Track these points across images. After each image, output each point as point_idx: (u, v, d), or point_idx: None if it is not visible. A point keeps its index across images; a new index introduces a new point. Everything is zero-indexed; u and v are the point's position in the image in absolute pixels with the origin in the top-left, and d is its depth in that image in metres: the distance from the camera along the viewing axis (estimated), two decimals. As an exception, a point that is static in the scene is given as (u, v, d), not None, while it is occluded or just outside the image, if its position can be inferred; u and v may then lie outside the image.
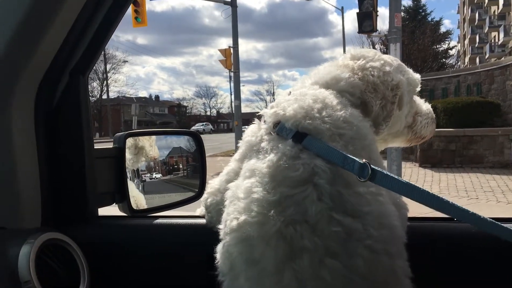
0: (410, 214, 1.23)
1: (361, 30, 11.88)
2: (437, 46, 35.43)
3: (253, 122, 1.24)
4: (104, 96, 58.76)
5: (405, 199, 1.16)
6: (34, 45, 1.19)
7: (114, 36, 1.42)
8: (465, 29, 77.77)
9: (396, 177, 1.00)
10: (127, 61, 63.90)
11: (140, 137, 1.75)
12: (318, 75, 1.30)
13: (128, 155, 1.59)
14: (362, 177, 0.99)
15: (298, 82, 1.36)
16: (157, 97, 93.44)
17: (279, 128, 1.11)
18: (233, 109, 23.22)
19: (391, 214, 1.04)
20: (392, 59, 1.37)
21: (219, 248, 1.07)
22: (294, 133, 1.08)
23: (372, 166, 0.99)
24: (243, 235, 0.99)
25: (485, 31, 66.66)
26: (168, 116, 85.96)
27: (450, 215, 0.95)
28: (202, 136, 1.90)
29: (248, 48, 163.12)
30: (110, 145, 1.56)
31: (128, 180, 1.58)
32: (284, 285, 0.94)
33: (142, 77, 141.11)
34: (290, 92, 1.26)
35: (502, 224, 0.91)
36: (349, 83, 1.25)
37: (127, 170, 1.57)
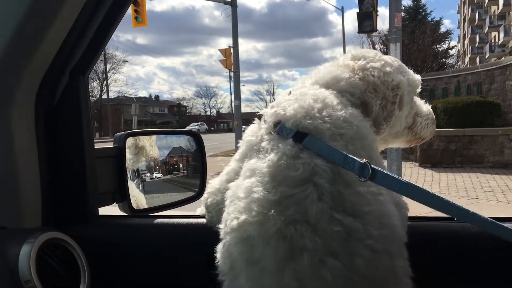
0: (410, 214, 1.23)
1: (361, 30, 11.88)
2: (437, 46, 35.43)
3: (253, 122, 1.24)
4: (104, 96, 58.83)
5: (405, 199, 1.16)
6: (34, 45, 1.19)
7: (114, 36, 1.42)
8: (465, 29, 77.77)
9: (396, 176, 1.00)
10: (127, 61, 63.93)
11: (141, 137, 1.75)
12: (318, 75, 1.30)
13: (128, 155, 1.59)
14: (362, 177, 0.99)
15: (298, 82, 1.37)
16: (157, 97, 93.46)
17: (280, 128, 1.11)
18: (233, 109, 23.23)
19: (392, 214, 1.04)
20: (393, 60, 1.37)
21: (220, 247, 1.07)
22: (295, 133, 1.08)
23: (372, 165, 0.99)
24: (244, 234, 0.99)
25: (485, 31, 66.67)
26: (168, 116, 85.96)
27: (450, 215, 0.95)
28: (198, 136, 1.89)
29: (248, 48, 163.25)
30: (110, 145, 1.56)
31: (128, 179, 1.58)
32: (284, 285, 0.94)
33: (142, 77, 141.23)
34: (290, 92, 1.26)
35: (502, 224, 0.91)
36: (349, 83, 1.25)
37: (127, 169, 1.57)
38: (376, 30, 12.60)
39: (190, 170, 1.91)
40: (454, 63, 38.55)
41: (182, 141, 1.95)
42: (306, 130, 1.08)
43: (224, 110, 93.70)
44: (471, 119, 14.25)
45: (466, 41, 76.05)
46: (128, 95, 68.61)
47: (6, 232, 1.22)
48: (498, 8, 61.12)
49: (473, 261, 1.22)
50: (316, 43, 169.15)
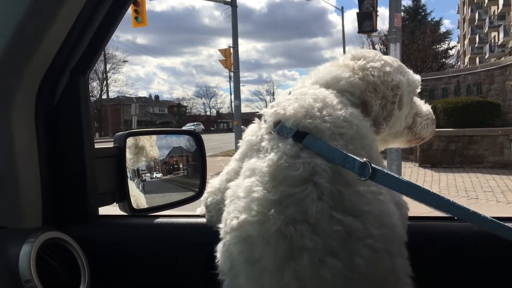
0: (410, 214, 1.23)
1: (361, 30, 11.88)
2: (437, 46, 35.42)
3: (253, 122, 1.24)
4: (104, 96, 58.86)
5: (405, 198, 1.16)
6: (35, 45, 1.19)
7: (114, 36, 1.42)
8: (465, 29, 77.79)
9: (396, 176, 1.00)
10: (127, 61, 63.95)
11: (141, 137, 1.75)
12: (318, 74, 1.30)
13: (128, 155, 1.59)
14: (362, 176, 0.99)
15: (298, 82, 1.37)
16: (157, 97, 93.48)
17: (280, 127, 1.11)
18: (233, 109, 23.22)
19: (392, 213, 1.04)
20: (393, 60, 1.37)
21: (219, 247, 1.07)
22: (295, 132, 1.08)
23: (372, 165, 0.99)
24: (243, 234, 0.99)
25: (485, 31, 66.70)
26: (168, 116, 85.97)
27: (450, 214, 0.95)
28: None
29: (248, 48, 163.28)
30: (110, 145, 1.56)
31: (128, 179, 1.58)
32: (284, 284, 0.94)
33: (142, 77, 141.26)
34: (290, 92, 1.26)
35: (503, 223, 0.91)
36: (349, 83, 1.25)
37: (127, 169, 1.57)
38: (376, 30, 12.60)
39: (190, 170, 1.91)
40: (454, 63, 38.57)
41: (182, 141, 1.96)
42: (306, 130, 1.08)
43: (224, 110, 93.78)
44: (471, 119, 14.25)
45: (466, 41, 76.08)
46: (128, 95, 68.69)
47: (6, 232, 1.22)
48: (498, 8, 61.15)
49: (473, 260, 1.22)
50: (316, 43, 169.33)
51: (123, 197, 1.52)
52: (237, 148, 1.27)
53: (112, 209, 1.56)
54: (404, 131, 1.42)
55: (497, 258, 1.20)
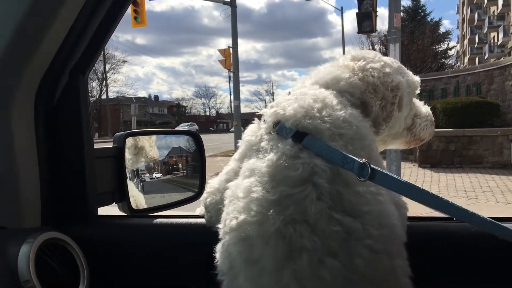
0: (409, 214, 1.23)
1: (360, 30, 11.88)
2: (437, 47, 35.46)
3: (253, 122, 1.24)
4: (104, 96, 58.85)
5: (404, 199, 1.16)
6: (34, 45, 1.19)
7: (113, 36, 1.42)
8: (465, 29, 77.80)
9: (395, 176, 1.00)
10: (126, 61, 64.01)
11: (140, 138, 1.75)
12: (318, 75, 1.30)
13: (127, 155, 1.59)
14: (361, 177, 0.99)
15: (298, 82, 1.37)
16: (156, 97, 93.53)
17: (279, 128, 1.11)
18: (233, 109, 23.22)
19: (391, 214, 1.04)
20: (392, 61, 1.38)
21: (219, 247, 1.07)
22: (294, 133, 1.08)
23: (371, 165, 0.99)
24: (243, 234, 0.99)
25: (485, 31, 66.69)
26: (168, 116, 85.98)
27: (449, 215, 0.95)
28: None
29: (247, 48, 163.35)
30: (109, 145, 1.56)
31: (128, 180, 1.58)
32: (283, 285, 0.94)
33: (141, 77, 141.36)
34: (290, 92, 1.26)
35: (502, 224, 0.92)
36: (349, 83, 1.25)
37: (126, 170, 1.57)
38: (376, 30, 12.60)
39: (190, 170, 1.91)
40: (453, 64, 38.65)
41: (181, 141, 1.96)
42: (305, 130, 1.08)
43: (224, 110, 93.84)
44: (470, 120, 14.25)
45: (466, 42, 76.10)
46: (128, 95, 68.75)
47: (5, 232, 1.22)
48: (497, 8, 61.16)
49: (473, 261, 1.22)
50: (315, 44, 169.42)
51: (122, 197, 1.52)
52: (236, 148, 1.27)
53: (111, 210, 1.56)
54: (404, 132, 1.42)
55: (496, 258, 1.20)
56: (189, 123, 65.71)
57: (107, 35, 1.37)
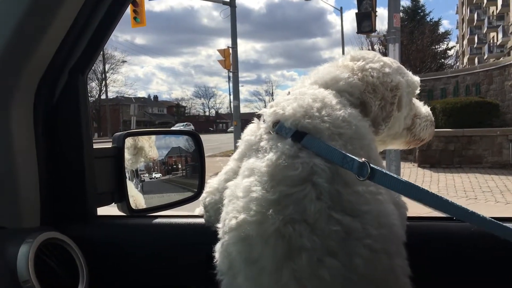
0: (409, 214, 1.23)
1: (360, 30, 11.89)
2: (436, 47, 35.46)
3: (252, 122, 1.24)
4: (103, 96, 58.86)
5: (404, 199, 1.16)
6: (34, 44, 1.19)
7: (113, 36, 1.42)
8: (464, 29, 77.86)
9: (395, 176, 1.00)
10: (125, 61, 64.04)
11: (140, 138, 1.75)
12: (317, 75, 1.30)
13: (127, 155, 1.59)
14: (361, 176, 0.99)
15: (297, 82, 1.37)
16: (155, 97, 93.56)
17: (279, 127, 1.11)
18: (232, 109, 23.21)
19: (391, 213, 1.04)
20: (392, 61, 1.38)
21: (218, 247, 1.07)
22: (294, 132, 1.08)
23: (371, 165, 0.99)
24: (242, 234, 0.99)
25: (484, 31, 66.74)
26: (167, 116, 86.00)
27: (449, 214, 0.95)
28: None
29: (246, 48, 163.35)
30: (109, 145, 1.56)
31: (127, 180, 1.58)
32: (282, 284, 0.94)
33: (140, 77, 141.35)
34: (289, 92, 1.26)
35: (502, 223, 0.91)
36: (348, 83, 1.25)
37: (126, 170, 1.57)
38: (375, 30, 12.60)
39: (189, 170, 1.91)
40: (452, 64, 38.65)
41: (181, 141, 1.95)
42: (305, 130, 1.08)
43: (223, 110, 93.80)
44: (469, 120, 14.26)
45: (465, 42, 76.16)
46: (127, 96, 68.79)
47: (4, 232, 1.22)
48: (496, 8, 61.19)
49: (472, 260, 1.22)
50: (315, 44, 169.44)
51: (121, 197, 1.52)
52: (236, 148, 1.27)
53: (110, 210, 1.56)
54: (403, 132, 1.42)
55: (496, 258, 1.20)
56: (185, 123, 65.01)
57: (106, 35, 1.37)
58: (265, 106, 1.26)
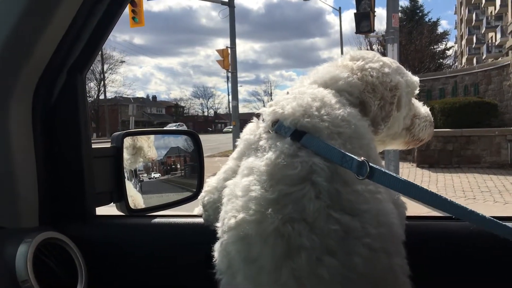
0: (407, 213, 1.23)
1: (358, 30, 11.90)
2: (435, 47, 35.56)
3: (251, 121, 1.24)
4: (102, 97, 58.83)
5: (403, 198, 1.16)
6: (32, 44, 1.18)
7: (111, 36, 1.42)
8: (462, 29, 77.94)
9: (394, 175, 0.99)
10: (124, 62, 63.94)
11: (139, 138, 1.75)
12: (317, 74, 1.30)
13: (126, 155, 1.59)
14: (360, 175, 0.99)
15: (296, 82, 1.37)
16: (154, 97, 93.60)
17: (278, 126, 1.11)
18: (231, 109, 23.18)
19: (390, 212, 1.04)
20: (391, 61, 1.38)
21: (217, 246, 1.06)
22: (293, 131, 1.08)
23: (370, 164, 0.99)
24: (241, 233, 0.99)
25: (482, 31, 66.87)
26: (166, 117, 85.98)
27: (448, 213, 0.95)
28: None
29: (245, 48, 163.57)
30: (107, 145, 1.56)
31: (126, 179, 1.57)
32: (282, 283, 0.94)
33: (139, 78, 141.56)
34: (288, 92, 1.26)
35: (501, 222, 0.91)
36: (347, 83, 1.25)
37: (124, 170, 1.57)
38: (374, 30, 12.64)
39: (188, 170, 1.91)
40: (451, 64, 38.83)
41: (179, 141, 1.95)
42: (304, 129, 1.08)
43: (222, 110, 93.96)
44: (468, 120, 14.29)
45: (463, 42, 76.25)
46: (126, 96, 68.73)
47: (3, 232, 1.21)
48: (495, 8, 61.27)
49: (471, 259, 1.22)
50: (313, 44, 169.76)
51: (120, 197, 1.52)
52: (235, 148, 1.27)
53: (109, 210, 1.56)
54: (402, 132, 1.42)
55: (495, 257, 1.20)
56: (178, 124, 64.27)
57: (105, 34, 1.37)
58: (264, 106, 1.26)
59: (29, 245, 1.13)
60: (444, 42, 38.75)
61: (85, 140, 1.39)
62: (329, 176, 1.00)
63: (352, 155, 1.00)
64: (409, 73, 1.42)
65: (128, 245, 1.42)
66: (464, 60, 69.57)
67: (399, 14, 14.32)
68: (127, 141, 1.62)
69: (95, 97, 58.20)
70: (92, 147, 1.44)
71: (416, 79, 1.43)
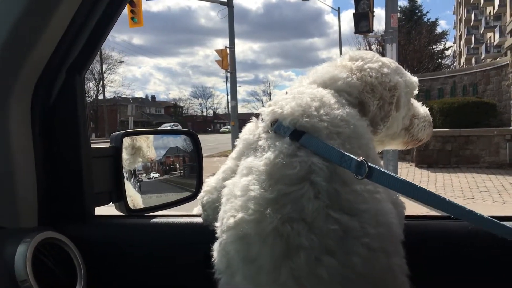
0: (406, 213, 1.23)
1: (357, 30, 11.91)
2: (433, 47, 35.61)
3: (250, 121, 1.24)
4: (100, 97, 58.76)
5: (402, 198, 1.16)
6: (31, 44, 1.18)
7: (110, 36, 1.42)
8: (461, 29, 78.01)
9: (393, 174, 1.00)
10: (123, 62, 63.89)
11: (138, 138, 1.75)
12: (316, 74, 1.31)
13: (125, 155, 1.59)
14: (359, 175, 0.99)
15: (295, 82, 1.37)
16: (153, 97, 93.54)
17: (277, 126, 1.11)
18: (230, 109, 23.19)
19: (388, 212, 1.04)
20: (390, 61, 1.38)
21: (216, 246, 1.07)
22: (292, 131, 1.08)
23: (369, 163, 0.99)
24: (240, 233, 0.99)
25: (481, 31, 66.89)
26: (165, 117, 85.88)
27: (447, 213, 0.95)
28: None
29: (244, 48, 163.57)
30: (106, 146, 1.56)
31: (125, 179, 1.57)
32: (281, 283, 0.94)
33: (138, 78, 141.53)
34: (287, 92, 1.26)
35: (499, 222, 0.91)
36: (347, 83, 1.25)
37: (123, 170, 1.57)
38: (373, 30, 12.65)
39: (187, 170, 1.91)
40: (450, 64, 38.88)
41: (178, 141, 1.95)
42: (303, 129, 1.08)
43: (221, 110, 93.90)
44: (467, 120, 14.31)
45: (462, 42, 76.31)
46: (125, 96, 68.63)
47: (3, 232, 1.21)
48: (493, 9, 61.30)
49: (470, 259, 1.23)
50: (312, 44, 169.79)
51: (119, 197, 1.52)
52: (234, 148, 1.27)
53: (109, 210, 1.56)
54: (401, 132, 1.42)
55: (494, 257, 1.20)
56: (173, 123, 63.54)
57: (104, 34, 1.36)
58: (263, 106, 1.26)
59: (28, 245, 1.13)
60: (442, 42, 38.89)
61: (84, 140, 1.38)
62: (328, 176, 1.01)
63: (351, 155, 1.00)
64: (408, 73, 1.42)
65: (127, 245, 1.42)
66: (462, 60, 69.68)
67: (398, 14, 14.32)
68: (126, 141, 1.62)
69: (94, 97, 58.21)
70: (91, 147, 1.44)
71: (415, 79, 1.43)
